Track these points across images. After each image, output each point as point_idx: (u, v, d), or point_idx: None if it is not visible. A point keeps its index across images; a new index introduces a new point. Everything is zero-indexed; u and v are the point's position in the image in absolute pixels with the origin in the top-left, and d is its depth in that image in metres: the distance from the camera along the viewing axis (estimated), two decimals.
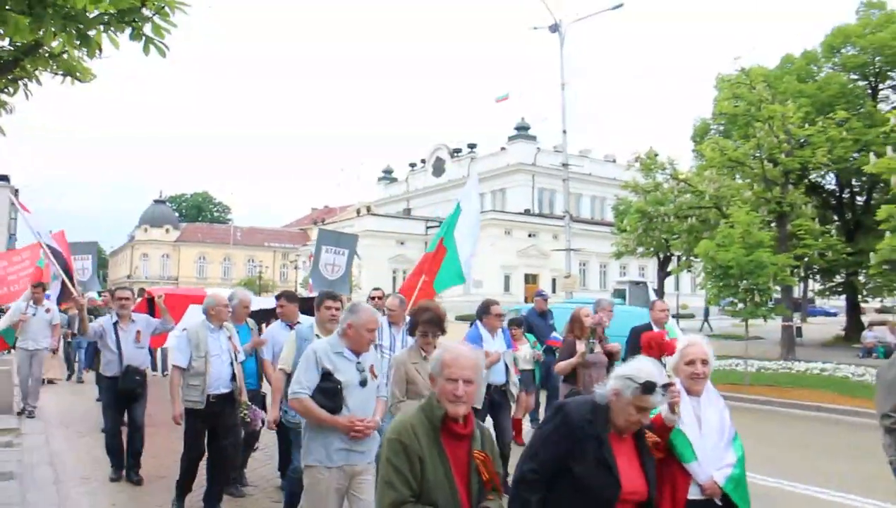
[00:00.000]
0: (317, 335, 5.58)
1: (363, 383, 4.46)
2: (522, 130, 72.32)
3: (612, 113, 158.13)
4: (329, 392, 4.32)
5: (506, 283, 58.85)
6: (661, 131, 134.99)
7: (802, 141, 23.40)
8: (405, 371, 5.31)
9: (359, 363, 4.47)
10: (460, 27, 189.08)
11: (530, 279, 60.72)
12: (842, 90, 26.28)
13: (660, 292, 37.30)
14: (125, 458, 7.80)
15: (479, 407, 6.53)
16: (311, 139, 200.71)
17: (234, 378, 6.53)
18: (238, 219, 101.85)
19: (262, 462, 8.45)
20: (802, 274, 28.72)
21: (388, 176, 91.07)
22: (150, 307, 9.71)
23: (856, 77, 27.89)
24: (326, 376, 4.35)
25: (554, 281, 53.64)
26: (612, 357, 7.21)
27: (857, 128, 24.11)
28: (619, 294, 39.78)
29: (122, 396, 7.75)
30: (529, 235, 62.12)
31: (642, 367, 3.18)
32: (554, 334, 10.98)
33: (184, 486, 6.56)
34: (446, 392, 3.03)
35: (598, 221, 68.25)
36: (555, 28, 23.35)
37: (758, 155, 23.24)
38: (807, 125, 23.46)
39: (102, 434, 8.98)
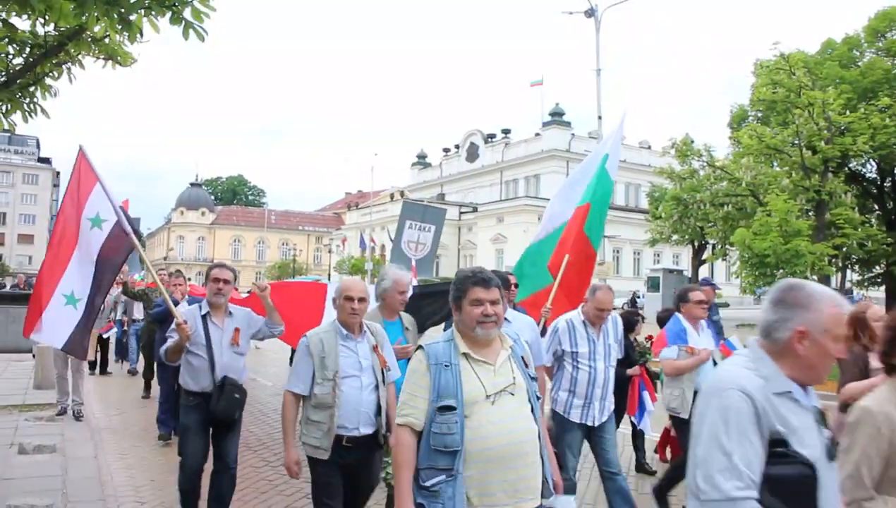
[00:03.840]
0: (464, 354, 2.87)
1: (832, 455, 2.17)
2: (557, 116, 71.79)
3: (647, 99, 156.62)
4: (792, 485, 2.04)
5: None
6: (698, 118, 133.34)
7: (843, 128, 22.99)
8: (890, 435, 2.50)
9: (815, 407, 2.20)
10: (495, 14, 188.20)
11: None
12: (885, 76, 25.65)
13: (694, 280, 37.04)
14: None
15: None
16: (347, 125, 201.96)
17: (379, 412, 4.20)
18: (272, 204, 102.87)
19: None
20: (840, 264, 28.22)
21: (421, 161, 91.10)
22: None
23: None
24: (777, 448, 2.06)
25: None
26: None
27: None
28: (653, 282, 39.49)
29: (213, 421, 5.17)
30: None
31: None
32: (727, 338, 6.95)
33: None
34: None
35: (632, 208, 67.66)
36: (591, 13, 23.14)
37: (796, 142, 22.88)
38: (848, 112, 23.05)
39: (160, 444, 8.01)
